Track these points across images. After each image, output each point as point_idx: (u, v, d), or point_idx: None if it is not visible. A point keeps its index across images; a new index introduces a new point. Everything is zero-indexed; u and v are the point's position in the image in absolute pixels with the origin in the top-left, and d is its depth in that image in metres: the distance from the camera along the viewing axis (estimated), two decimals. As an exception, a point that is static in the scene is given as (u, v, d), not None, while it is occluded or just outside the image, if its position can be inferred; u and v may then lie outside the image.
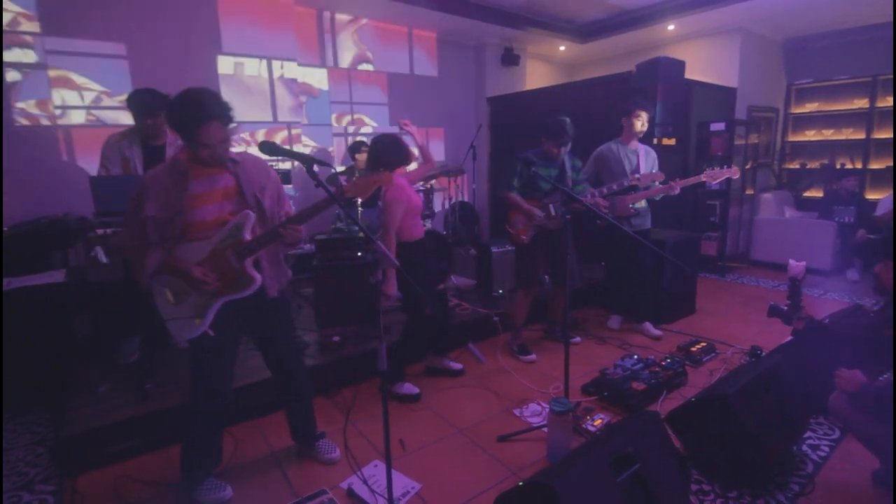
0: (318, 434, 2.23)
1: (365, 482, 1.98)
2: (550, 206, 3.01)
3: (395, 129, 5.33)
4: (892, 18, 4.83)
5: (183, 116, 1.62)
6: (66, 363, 2.76)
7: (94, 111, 3.99)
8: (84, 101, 3.94)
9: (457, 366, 3.03)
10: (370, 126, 5.78)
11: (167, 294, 1.79)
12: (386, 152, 2.58)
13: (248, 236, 1.76)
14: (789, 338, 2.59)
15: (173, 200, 1.68)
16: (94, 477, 2.11)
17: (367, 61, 5.64)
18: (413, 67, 6.00)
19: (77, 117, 3.92)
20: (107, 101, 4.02)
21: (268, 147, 1.72)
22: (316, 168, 1.74)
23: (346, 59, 5.50)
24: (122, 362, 2.82)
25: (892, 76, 5.36)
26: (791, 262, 2.24)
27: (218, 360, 1.87)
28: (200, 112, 1.59)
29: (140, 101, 2.66)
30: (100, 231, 2.56)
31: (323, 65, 5.35)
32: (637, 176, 3.20)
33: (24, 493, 2.02)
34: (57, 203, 3.60)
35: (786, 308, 2.23)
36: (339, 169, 5.00)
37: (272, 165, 3.87)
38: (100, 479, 2.10)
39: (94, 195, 2.55)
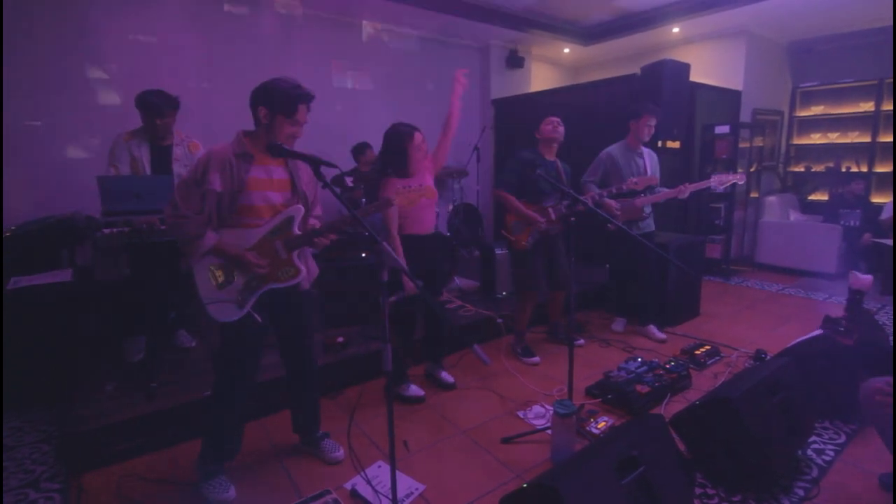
0: (322, 433, 2.25)
1: (369, 483, 1.98)
2: (550, 209, 3.00)
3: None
4: (898, 22, 4.81)
5: (288, 92, 1.74)
6: (72, 362, 2.77)
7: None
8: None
9: (448, 378, 2.89)
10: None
11: (212, 276, 1.81)
12: (386, 156, 2.50)
13: (297, 230, 1.85)
14: (797, 340, 2.57)
15: (235, 178, 1.74)
16: (99, 475, 2.12)
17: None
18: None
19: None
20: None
21: (275, 149, 1.73)
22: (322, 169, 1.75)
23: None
24: (128, 361, 2.84)
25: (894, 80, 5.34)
26: (854, 272, 2.11)
27: (252, 347, 1.91)
28: (301, 90, 1.77)
29: (150, 102, 2.69)
30: (106, 230, 2.58)
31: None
32: (635, 180, 3.18)
33: (31, 490, 2.03)
34: (64, 202, 3.62)
35: (842, 323, 2.10)
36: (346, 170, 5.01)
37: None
38: (105, 477, 2.11)
39: (102, 194, 2.56)
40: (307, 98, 1.79)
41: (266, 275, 1.82)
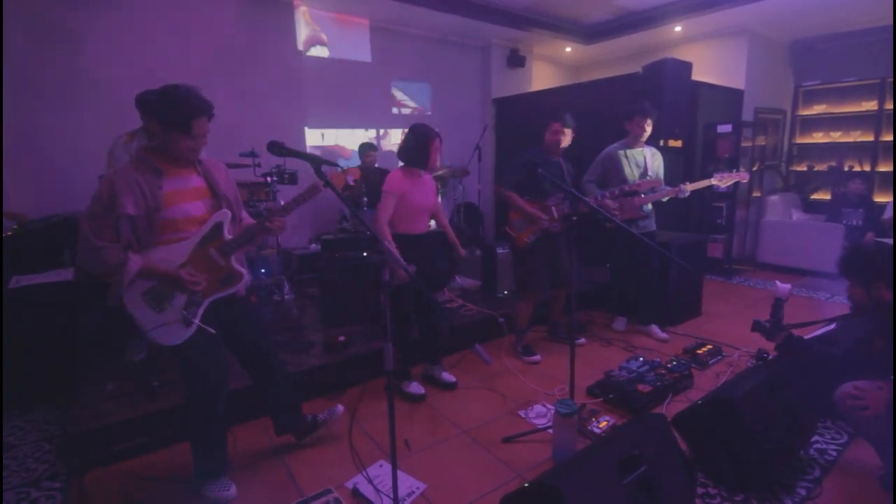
0: (312, 416, 2.28)
1: (370, 482, 1.98)
2: (553, 208, 3.00)
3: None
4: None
5: (177, 107, 1.63)
6: (74, 361, 2.78)
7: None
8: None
9: (449, 378, 2.88)
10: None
11: (147, 302, 1.71)
12: (408, 147, 2.64)
13: (228, 234, 1.80)
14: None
15: (148, 197, 1.64)
16: (100, 474, 2.12)
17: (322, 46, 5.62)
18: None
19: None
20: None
21: (275, 148, 1.73)
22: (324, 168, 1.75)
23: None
24: (129, 360, 2.84)
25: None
26: (777, 283, 2.31)
27: (214, 356, 1.85)
28: (197, 104, 1.65)
29: (151, 103, 2.67)
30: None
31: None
32: (637, 182, 3.17)
33: (32, 489, 2.04)
34: (66, 201, 3.62)
35: (767, 325, 2.30)
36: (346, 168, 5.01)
37: (279, 165, 3.94)
38: (107, 476, 2.11)
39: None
40: (203, 109, 1.66)
41: (206, 288, 1.75)
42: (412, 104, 6.06)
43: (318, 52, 5.24)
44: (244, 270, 1.84)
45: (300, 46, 5.06)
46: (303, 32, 5.08)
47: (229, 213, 1.82)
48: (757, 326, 2.34)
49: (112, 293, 1.68)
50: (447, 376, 2.90)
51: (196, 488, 1.95)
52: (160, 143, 1.71)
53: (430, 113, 6.17)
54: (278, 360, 2.13)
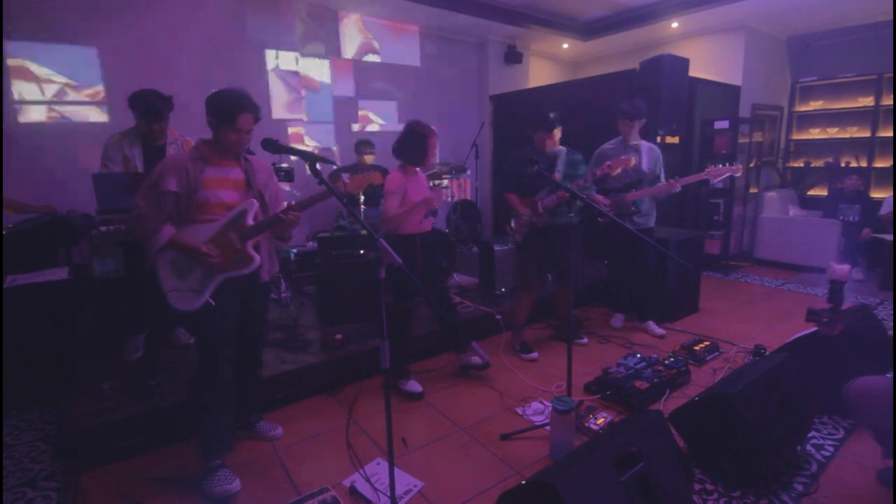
0: (256, 416, 2.38)
1: (367, 480, 1.98)
2: (539, 203, 3.01)
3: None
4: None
5: (229, 103, 1.89)
6: (69, 360, 2.76)
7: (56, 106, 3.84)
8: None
9: (477, 359, 2.93)
10: (377, 124, 5.77)
11: (172, 268, 1.95)
12: (406, 145, 2.64)
13: (250, 221, 1.97)
14: (796, 335, 2.56)
15: (191, 180, 1.89)
16: (97, 474, 2.11)
17: (374, 51, 5.62)
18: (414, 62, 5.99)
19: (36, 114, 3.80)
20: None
21: (270, 145, 1.74)
22: (319, 166, 1.76)
23: (350, 50, 5.46)
24: (126, 359, 2.83)
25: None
26: (832, 264, 2.15)
27: (224, 334, 2.00)
28: (243, 101, 1.91)
29: (149, 106, 2.66)
30: (103, 228, 2.57)
31: (326, 55, 5.27)
32: (608, 164, 3.07)
33: (28, 489, 2.03)
34: (60, 200, 3.60)
35: (825, 314, 2.10)
36: (341, 166, 5.00)
37: (275, 163, 3.94)
38: (103, 475, 2.10)
39: (97, 192, 2.56)
40: (248, 108, 1.92)
41: (220, 264, 1.94)
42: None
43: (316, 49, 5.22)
44: (257, 256, 1.99)
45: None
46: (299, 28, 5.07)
47: (255, 204, 2.01)
48: (811, 316, 2.18)
49: (147, 258, 1.93)
50: (475, 359, 2.95)
51: (201, 479, 1.97)
52: (213, 139, 1.97)
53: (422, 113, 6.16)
54: (258, 350, 2.32)
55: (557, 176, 2.97)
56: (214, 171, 1.96)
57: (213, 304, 1.94)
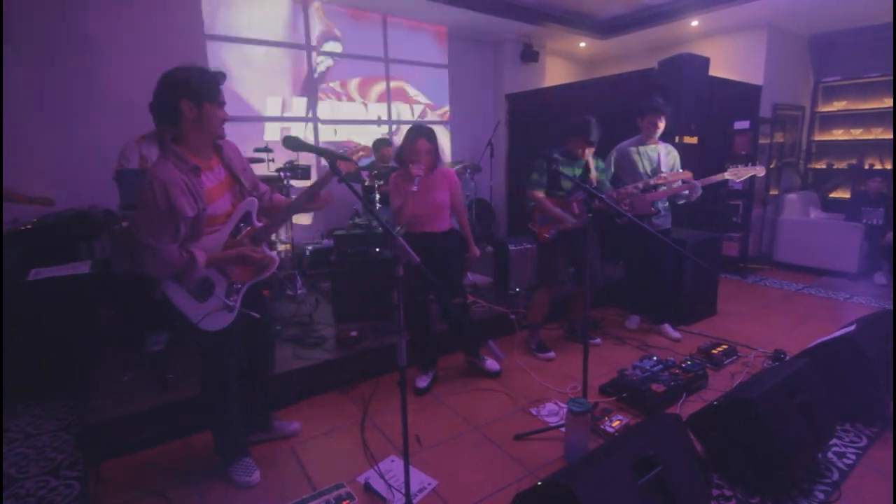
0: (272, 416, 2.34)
1: (382, 476, 1.99)
2: (574, 204, 2.98)
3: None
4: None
5: (205, 73, 1.65)
6: (90, 352, 2.82)
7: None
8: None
9: (490, 366, 2.95)
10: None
11: (193, 294, 1.77)
12: (402, 146, 2.68)
13: (258, 222, 1.85)
14: (818, 340, 2.51)
15: (198, 198, 1.65)
16: (117, 464, 2.15)
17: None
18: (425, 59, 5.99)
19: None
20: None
21: (291, 142, 1.73)
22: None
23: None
24: (147, 352, 2.87)
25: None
26: None
27: (229, 345, 1.90)
28: (215, 72, 1.68)
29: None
30: (125, 224, 2.61)
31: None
32: (663, 175, 3.13)
33: (51, 477, 2.08)
34: (83, 195, 3.67)
35: None
36: (363, 164, 5.01)
37: (293, 160, 3.96)
38: (123, 465, 2.14)
39: (120, 188, 2.60)
40: (221, 76, 1.70)
41: (244, 273, 1.84)
42: (424, 100, 6.04)
43: (332, 47, 5.25)
44: (275, 254, 1.87)
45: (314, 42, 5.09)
46: (316, 28, 5.10)
47: (256, 202, 1.86)
48: None
49: (158, 290, 1.73)
50: (489, 365, 2.96)
51: (223, 469, 2.01)
52: (187, 132, 1.66)
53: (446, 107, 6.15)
54: (270, 341, 2.21)
55: (592, 182, 2.96)
56: (209, 179, 1.72)
57: (257, 315, 1.86)
